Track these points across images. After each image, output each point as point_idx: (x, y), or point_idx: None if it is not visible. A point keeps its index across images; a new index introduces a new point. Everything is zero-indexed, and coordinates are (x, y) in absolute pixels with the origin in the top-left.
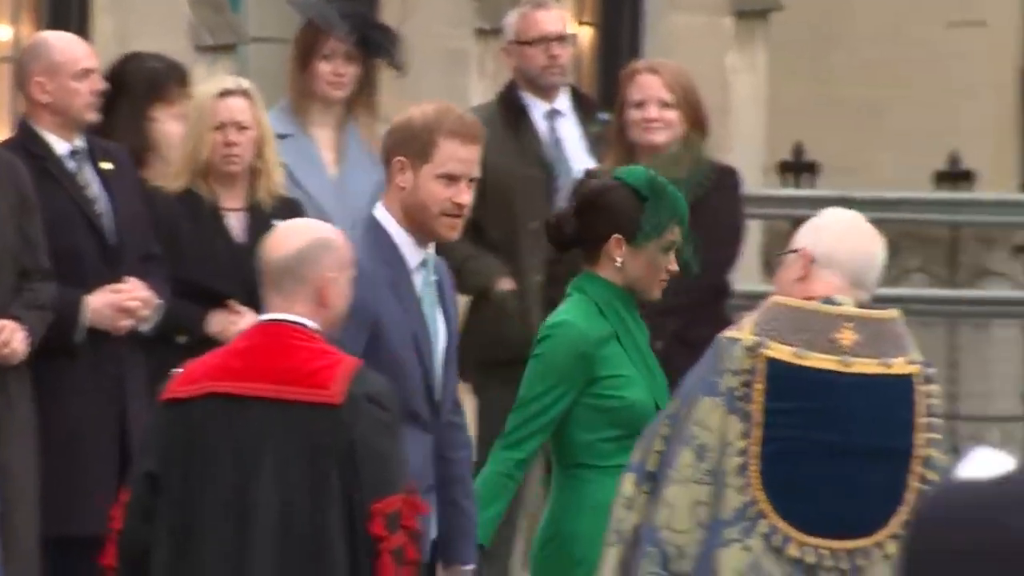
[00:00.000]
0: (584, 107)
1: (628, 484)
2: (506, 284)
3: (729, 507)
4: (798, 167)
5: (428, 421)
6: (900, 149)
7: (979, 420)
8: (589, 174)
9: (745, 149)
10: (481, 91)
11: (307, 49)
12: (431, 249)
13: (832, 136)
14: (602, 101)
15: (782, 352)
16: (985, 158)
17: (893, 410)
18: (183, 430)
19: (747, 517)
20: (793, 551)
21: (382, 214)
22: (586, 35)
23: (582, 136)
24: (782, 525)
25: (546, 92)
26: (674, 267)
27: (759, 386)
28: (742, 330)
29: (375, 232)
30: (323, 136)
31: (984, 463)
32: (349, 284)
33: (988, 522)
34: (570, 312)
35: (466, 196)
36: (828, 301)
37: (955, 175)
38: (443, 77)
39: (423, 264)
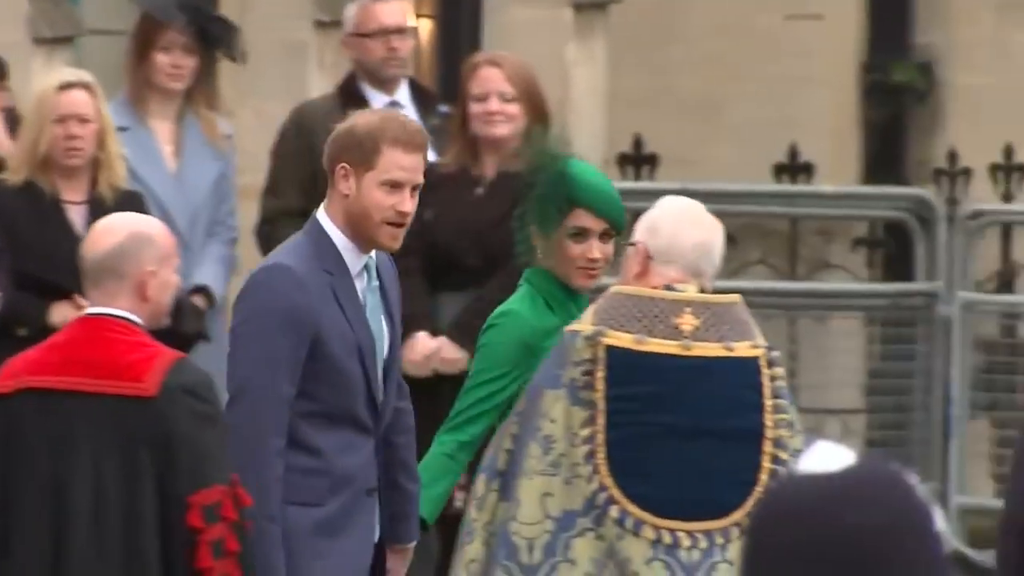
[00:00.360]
0: (424, 100)
1: (480, 484)
2: None
3: (580, 497)
4: (638, 159)
5: (370, 426)
6: (739, 142)
7: (819, 412)
8: (429, 166)
9: (585, 141)
10: (321, 83)
11: (145, 41)
12: (373, 254)
13: (671, 128)
14: (441, 94)
15: (622, 339)
16: (824, 151)
17: (739, 392)
18: (2, 425)
19: (596, 504)
20: (648, 533)
21: (324, 220)
22: (425, 28)
23: None
24: (633, 509)
25: (386, 84)
26: (595, 254)
27: (600, 374)
28: (583, 321)
29: (317, 238)
30: (162, 128)
31: (824, 457)
32: (172, 275)
33: (825, 516)
34: (516, 303)
35: (409, 204)
36: (668, 288)
37: (794, 168)
38: (283, 69)
39: (365, 269)
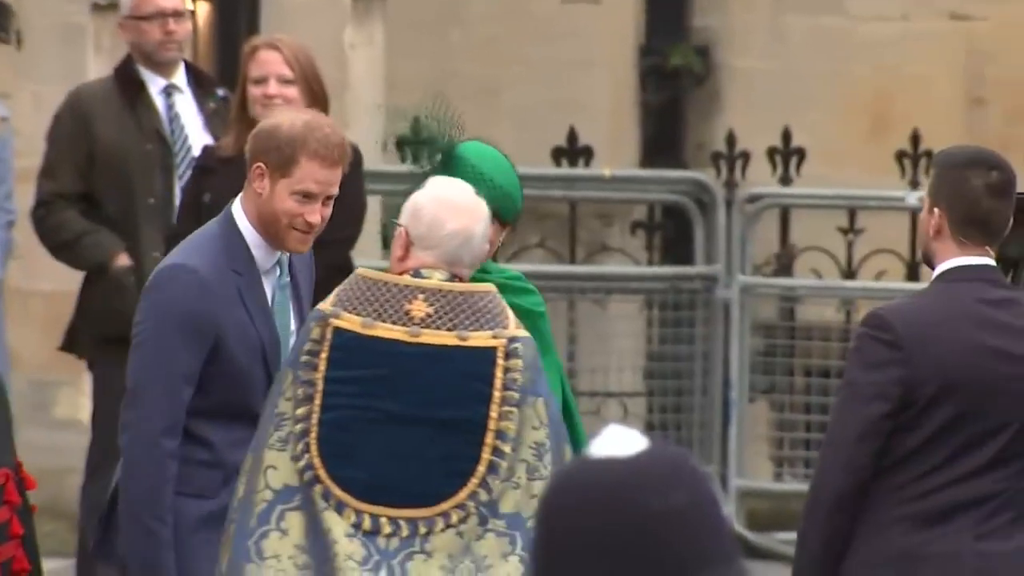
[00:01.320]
0: (201, 83)
1: (248, 461)
2: (123, 260)
3: (295, 472)
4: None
5: None
6: (519, 125)
7: (599, 395)
8: (207, 150)
9: (364, 125)
10: (98, 67)
11: None
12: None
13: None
14: (219, 77)
15: (351, 322)
16: (602, 134)
17: (466, 383)
18: None
19: (305, 482)
20: (349, 516)
21: (238, 214)
22: (203, 11)
23: (199, 112)
24: (336, 491)
25: (162, 68)
26: None
27: (324, 355)
28: (326, 301)
29: (229, 234)
30: None
31: (616, 441)
32: None
33: (624, 502)
34: None
35: (318, 216)
36: (416, 274)
37: (573, 151)
38: (60, 52)
39: (277, 264)
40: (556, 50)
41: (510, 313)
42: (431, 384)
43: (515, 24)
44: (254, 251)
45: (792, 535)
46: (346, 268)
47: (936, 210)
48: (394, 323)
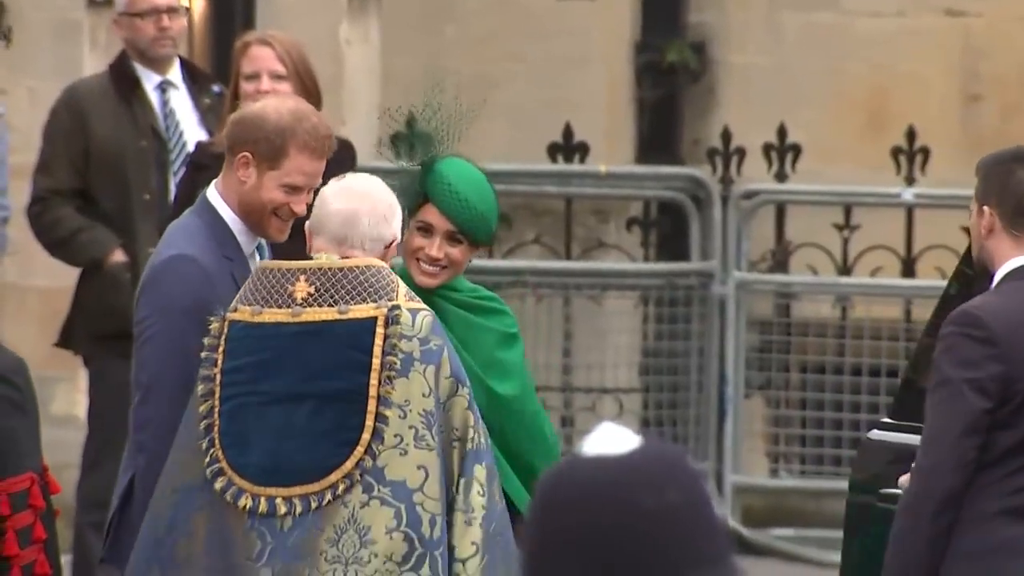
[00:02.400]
0: (196, 79)
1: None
2: (119, 256)
3: (201, 470)
4: None
5: None
6: (514, 122)
7: (594, 391)
8: (201, 146)
9: (359, 122)
10: (93, 63)
11: None
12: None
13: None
14: (215, 73)
15: (243, 313)
16: (598, 130)
17: (346, 354)
18: None
19: (209, 477)
20: (246, 502)
21: (217, 200)
22: (198, 7)
23: (194, 108)
24: (236, 479)
25: (157, 64)
26: (434, 252)
27: (221, 348)
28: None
29: (212, 222)
30: None
31: (609, 438)
32: None
33: (617, 500)
34: None
35: (303, 206)
36: (308, 258)
37: (569, 147)
38: (56, 48)
39: (258, 249)
40: (551, 46)
41: (401, 287)
42: (310, 360)
43: (510, 20)
44: (238, 236)
45: (787, 531)
46: None
47: (986, 209)
48: (279, 307)
